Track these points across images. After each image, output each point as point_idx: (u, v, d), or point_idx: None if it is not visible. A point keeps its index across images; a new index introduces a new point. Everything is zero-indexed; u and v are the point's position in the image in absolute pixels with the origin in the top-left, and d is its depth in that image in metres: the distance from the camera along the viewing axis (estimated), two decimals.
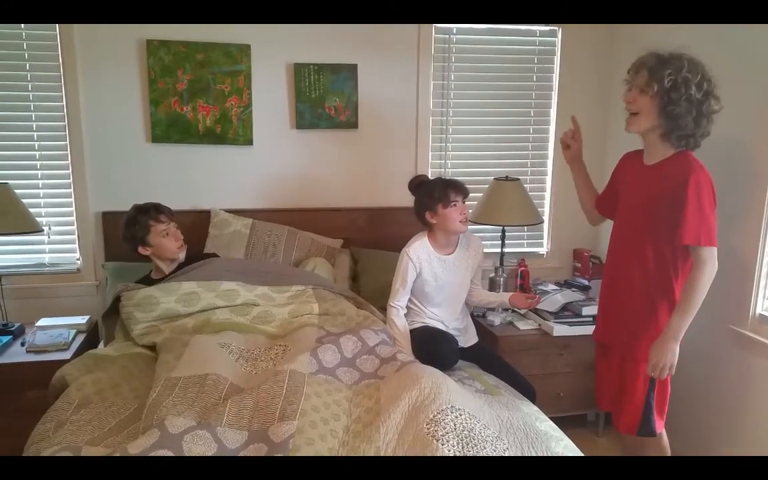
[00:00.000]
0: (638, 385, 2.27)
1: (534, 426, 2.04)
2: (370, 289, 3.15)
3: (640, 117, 2.17)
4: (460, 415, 1.86)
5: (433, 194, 2.66)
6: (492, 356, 2.82)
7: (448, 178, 2.77)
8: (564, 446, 1.97)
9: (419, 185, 2.78)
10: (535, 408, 2.26)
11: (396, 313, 2.71)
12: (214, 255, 3.01)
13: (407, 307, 2.77)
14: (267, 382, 2.02)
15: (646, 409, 2.27)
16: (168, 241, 2.77)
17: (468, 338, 2.86)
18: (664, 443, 2.38)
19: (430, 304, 2.76)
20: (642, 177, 2.27)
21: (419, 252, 2.70)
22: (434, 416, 1.84)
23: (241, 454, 1.75)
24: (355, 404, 2.04)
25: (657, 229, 2.18)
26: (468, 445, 1.76)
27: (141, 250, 2.77)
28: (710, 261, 2.08)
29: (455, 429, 1.80)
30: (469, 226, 2.75)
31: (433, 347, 2.58)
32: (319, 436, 1.82)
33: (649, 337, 2.23)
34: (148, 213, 2.75)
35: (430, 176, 3.44)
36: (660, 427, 2.31)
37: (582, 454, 1.96)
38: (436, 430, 1.79)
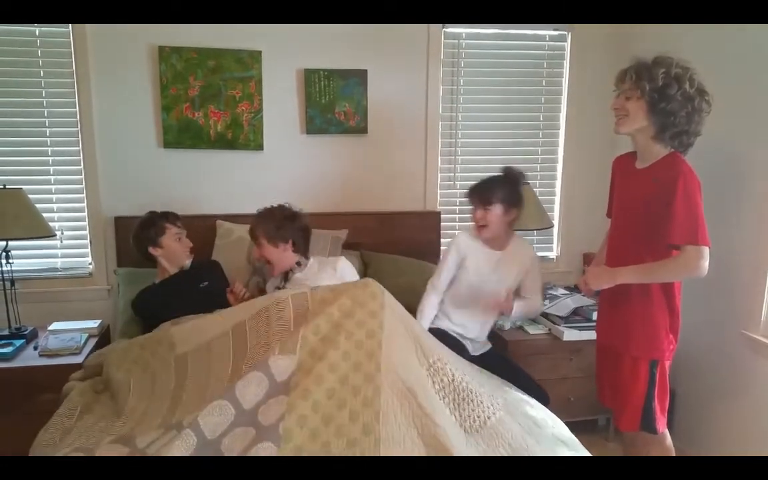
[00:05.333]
0: (638, 381, 2.28)
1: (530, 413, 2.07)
2: None
3: (628, 118, 2.20)
4: (463, 376, 1.97)
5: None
6: (503, 361, 2.80)
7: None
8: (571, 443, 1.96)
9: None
10: (545, 412, 2.25)
11: (427, 295, 2.72)
12: (215, 263, 3.04)
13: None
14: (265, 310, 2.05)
15: (648, 403, 2.27)
16: (179, 246, 2.87)
17: (481, 347, 2.84)
18: (668, 445, 2.37)
19: (460, 306, 2.73)
20: (635, 180, 2.29)
21: (466, 237, 2.71)
22: (433, 363, 1.95)
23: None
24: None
25: (652, 230, 2.19)
26: (463, 402, 1.84)
27: (151, 250, 2.84)
28: (697, 260, 2.06)
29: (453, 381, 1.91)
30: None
31: None
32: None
33: (644, 333, 2.26)
34: (165, 217, 2.88)
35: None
36: (662, 426, 2.31)
37: (576, 440, 1.95)
38: (435, 376, 1.91)
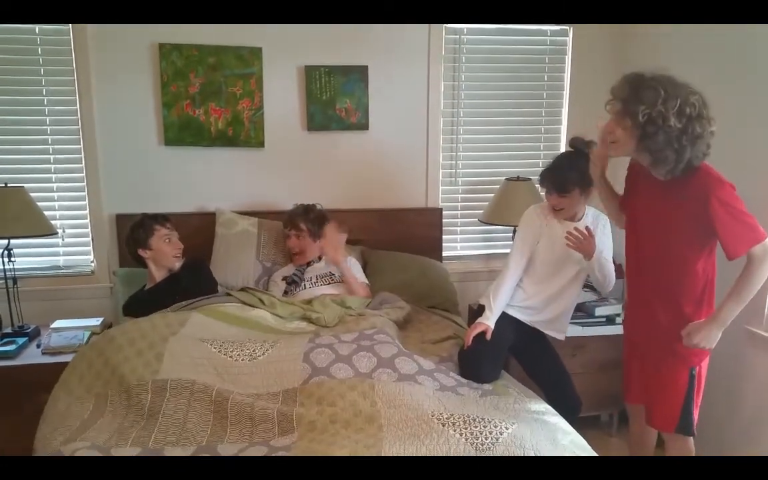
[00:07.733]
0: (679, 383, 2.21)
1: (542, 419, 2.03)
2: (381, 289, 3.14)
3: (618, 145, 2.10)
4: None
5: None
6: (542, 359, 2.69)
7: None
8: (570, 440, 1.94)
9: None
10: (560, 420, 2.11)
11: (502, 276, 2.53)
12: (202, 263, 3.03)
13: None
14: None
15: (687, 407, 2.21)
16: (168, 247, 2.89)
17: (548, 325, 2.65)
18: (690, 447, 2.31)
19: (538, 282, 2.57)
20: (658, 189, 2.16)
21: (538, 213, 2.55)
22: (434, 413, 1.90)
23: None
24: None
25: (682, 237, 2.11)
26: (476, 427, 1.81)
27: (140, 252, 2.87)
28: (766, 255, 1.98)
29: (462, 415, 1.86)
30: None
31: (476, 363, 2.40)
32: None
33: (684, 345, 2.17)
34: (154, 218, 2.90)
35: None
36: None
37: (590, 448, 1.93)
38: (441, 414, 1.86)
